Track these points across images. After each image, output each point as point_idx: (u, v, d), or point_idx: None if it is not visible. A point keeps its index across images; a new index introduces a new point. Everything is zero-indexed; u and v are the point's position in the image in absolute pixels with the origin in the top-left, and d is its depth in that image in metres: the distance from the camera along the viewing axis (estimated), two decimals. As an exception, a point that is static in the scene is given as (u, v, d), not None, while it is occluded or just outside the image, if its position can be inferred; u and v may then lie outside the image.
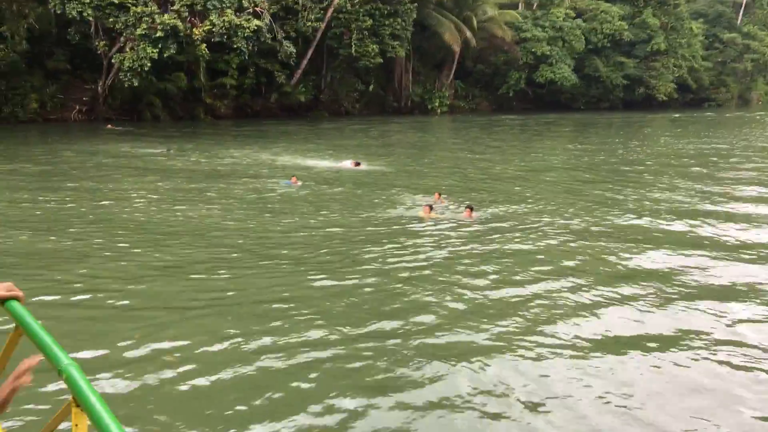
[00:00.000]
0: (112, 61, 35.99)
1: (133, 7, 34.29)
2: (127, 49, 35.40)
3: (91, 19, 34.51)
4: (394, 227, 15.07)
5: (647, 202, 19.50)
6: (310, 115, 52.36)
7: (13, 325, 2.22)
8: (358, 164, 24.61)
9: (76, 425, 1.94)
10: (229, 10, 35.23)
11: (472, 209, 16.61)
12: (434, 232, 14.72)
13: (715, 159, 31.30)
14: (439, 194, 18.63)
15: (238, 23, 35.48)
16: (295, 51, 42.63)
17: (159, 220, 15.26)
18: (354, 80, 54.54)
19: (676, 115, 69.22)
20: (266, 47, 44.70)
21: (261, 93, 50.23)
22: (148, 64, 34.86)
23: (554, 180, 23.94)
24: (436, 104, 61.41)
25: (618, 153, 33.16)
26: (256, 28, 36.46)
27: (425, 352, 8.26)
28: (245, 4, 36.53)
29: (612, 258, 13.17)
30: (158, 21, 33.67)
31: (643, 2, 75.14)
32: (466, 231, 15.00)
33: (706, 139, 42.20)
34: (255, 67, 47.16)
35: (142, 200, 17.45)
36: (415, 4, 50.96)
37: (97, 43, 36.72)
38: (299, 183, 20.30)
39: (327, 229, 14.73)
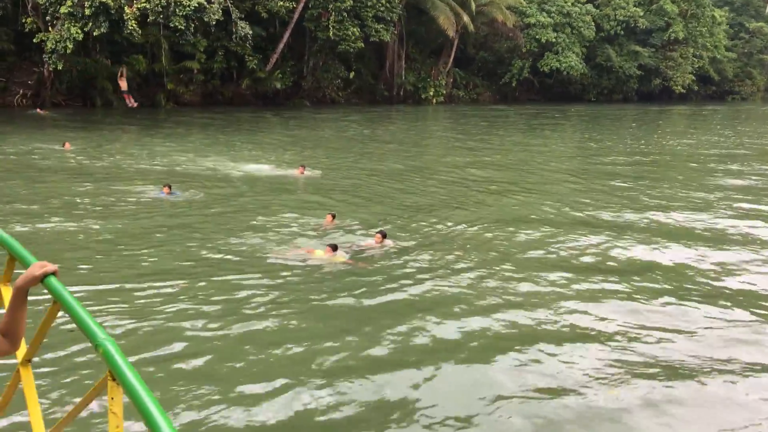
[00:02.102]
0: (33, 40, 32.42)
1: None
2: (50, 29, 31.73)
3: (10, -7, 31.09)
4: (250, 280, 10.47)
5: (641, 213, 15.63)
6: (289, 104, 48.65)
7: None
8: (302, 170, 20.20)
9: (112, 398, 1.99)
10: None
11: (384, 236, 12.69)
12: (300, 283, 10.85)
13: (715, 160, 27.10)
14: (333, 216, 14.60)
15: (178, 2, 31.59)
16: (251, 32, 38.75)
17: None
18: (338, 66, 50.64)
19: (692, 109, 64.44)
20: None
21: (233, 79, 46.62)
22: (70, 46, 31.15)
23: (523, 189, 20.02)
24: (431, 93, 57.29)
25: (616, 150, 29.09)
26: (197, 5, 32.51)
27: None
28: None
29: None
30: (85, -4, 29.98)
31: (660, -13, 70.13)
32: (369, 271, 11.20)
33: (716, 136, 37.79)
34: (225, 50, 43.53)
35: None
36: (401, -16, 46.98)
37: (23, 21, 33.18)
38: (179, 194, 16.33)
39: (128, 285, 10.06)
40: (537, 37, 60.45)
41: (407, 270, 11.21)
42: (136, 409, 1.75)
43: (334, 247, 11.74)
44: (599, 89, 70.41)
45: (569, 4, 62.27)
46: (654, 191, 19.49)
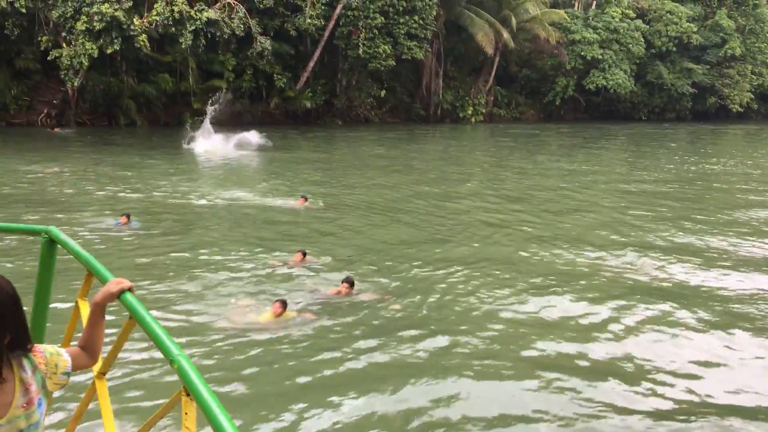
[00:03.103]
0: (48, 57, 32.11)
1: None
2: (64, 45, 31.31)
3: (23, 10, 30.61)
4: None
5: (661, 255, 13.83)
6: (320, 123, 47.66)
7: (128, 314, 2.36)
8: (304, 200, 18.28)
9: (186, 413, 2.02)
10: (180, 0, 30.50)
11: (352, 284, 11.01)
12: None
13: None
14: (304, 254, 13.13)
15: (189, 14, 30.70)
16: (270, 48, 37.77)
17: None
18: (371, 85, 49.43)
19: (749, 128, 60.93)
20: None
21: (263, 98, 45.89)
22: (86, 62, 30.67)
23: (544, 220, 18.28)
24: (469, 112, 55.54)
25: (654, 173, 26.96)
26: (207, 19, 31.57)
27: None
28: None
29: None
30: (95, 10, 29.34)
31: (716, 2, 66.98)
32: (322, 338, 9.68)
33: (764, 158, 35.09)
34: (253, 69, 42.84)
35: None
36: (435, 0, 45.50)
37: (39, 39, 32.93)
38: (136, 224, 15.07)
39: None
40: (582, 53, 58.18)
41: (380, 324, 9.71)
42: (210, 425, 1.78)
43: (284, 304, 9.92)
44: (650, 108, 67.55)
45: (617, 19, 59.81)
46: (697, 215, 18.20)
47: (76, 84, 32.33)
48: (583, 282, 12.12)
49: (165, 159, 27.13)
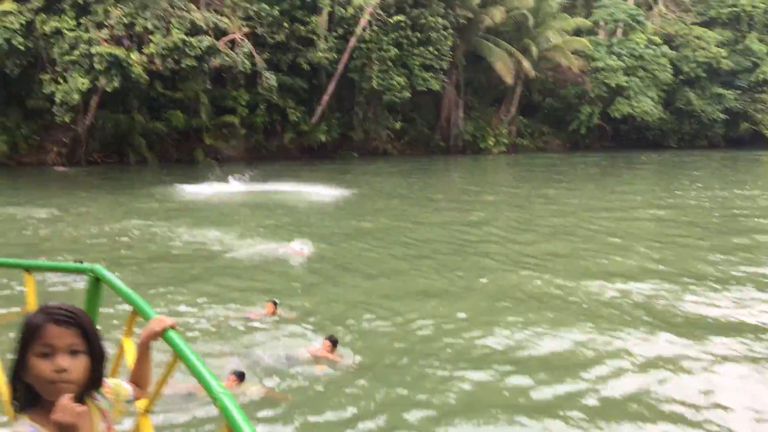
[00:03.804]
0: (43, 90, 31.87)
1: (69, 32, 29.82)
2: (60, 80, 31.06)
3: (22, 48, 30.36)
4: None
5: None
6: (337, 156, 46.89)
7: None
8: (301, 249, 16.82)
9: None
10: (176, 30, 30.06)
11: (335, 344, 9.96)
12: None
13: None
14: (275, 304, 11.98)
15: (188, 42, 30.20)
16: (276, 84, 37.24)
17: None
18: (388, 117, 48.57)
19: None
20: (278, 81, 39.90)
21: (277, 132, 45.30)
22: (76, 98, 30.35)
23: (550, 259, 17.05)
24: (491, 143, 54.29)
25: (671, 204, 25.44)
26: (210, 45, 31.01)
27: None
28: (200, 23, 31.02)
29: None
30: (94, 52, 29.04)
31: (747, 26, 65.16)
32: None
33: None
34: (267, 103, 42.30)
35: None
36: (449, 30, 44.70)
37: (41, 77, 32.70)
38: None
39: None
40: (606, 81, 56.73)
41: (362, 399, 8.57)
42: None
43: (241, 376, 8.79)
44: (680, 135, 65.58)
45: (642, 46, 58.31)
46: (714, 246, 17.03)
47: (67, 119, 32.01)
48: (587, 314, 11.37)
49: (161, 199, 26.37)
